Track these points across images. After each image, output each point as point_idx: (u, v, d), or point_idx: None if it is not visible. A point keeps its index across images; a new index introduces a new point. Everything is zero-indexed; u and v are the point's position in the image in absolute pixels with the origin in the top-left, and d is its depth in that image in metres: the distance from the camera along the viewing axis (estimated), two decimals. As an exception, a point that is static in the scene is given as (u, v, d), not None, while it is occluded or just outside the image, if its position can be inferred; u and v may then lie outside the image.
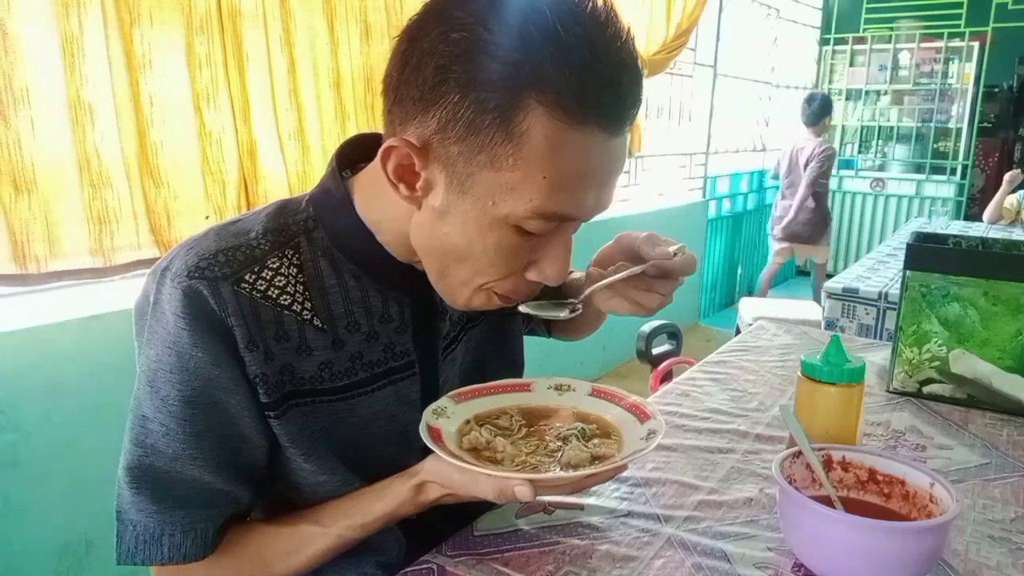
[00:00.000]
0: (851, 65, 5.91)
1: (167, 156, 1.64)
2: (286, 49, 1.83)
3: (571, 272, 1.02)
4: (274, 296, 0.67)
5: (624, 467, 0.68)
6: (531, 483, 0.63)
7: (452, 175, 0.61)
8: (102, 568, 1.63)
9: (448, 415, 0.74)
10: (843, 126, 6.07)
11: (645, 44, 3.42)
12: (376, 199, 0.70)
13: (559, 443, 0.73)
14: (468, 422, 0.74)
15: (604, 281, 0.73)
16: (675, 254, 0.73)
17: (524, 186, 0.59)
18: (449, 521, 0.77)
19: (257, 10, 1.75)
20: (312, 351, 0.69)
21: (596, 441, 0.72)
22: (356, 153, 0.75)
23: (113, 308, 1.62)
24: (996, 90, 5.35)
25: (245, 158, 1.77)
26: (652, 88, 3.80)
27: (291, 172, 1.87)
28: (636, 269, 0.73)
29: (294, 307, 0.68)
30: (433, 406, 0.73)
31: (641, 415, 0.75)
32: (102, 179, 1.54)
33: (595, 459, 0.69)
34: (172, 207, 1.66)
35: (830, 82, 6.04)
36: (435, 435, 0.68)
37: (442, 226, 0.64)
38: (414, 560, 0.71)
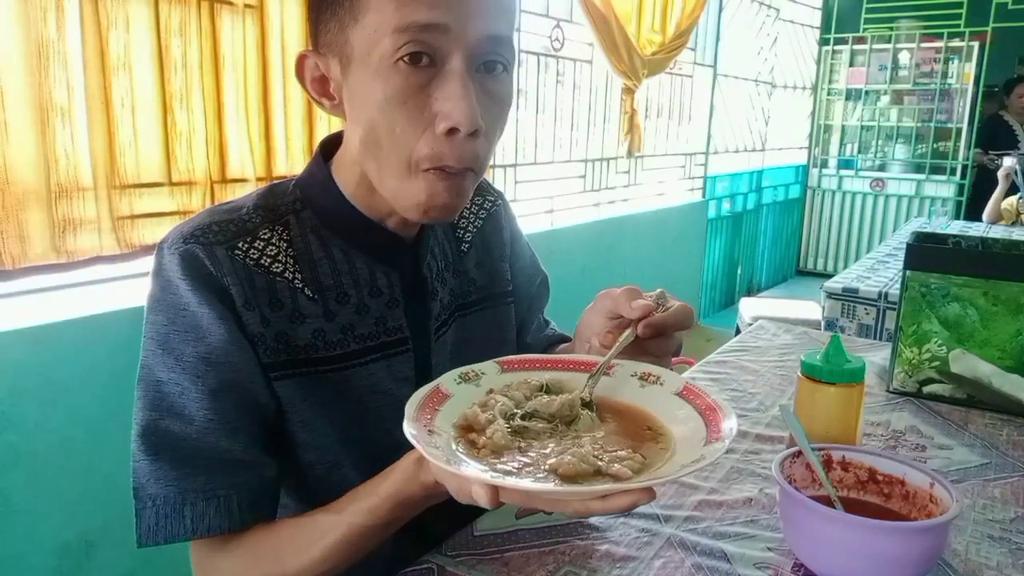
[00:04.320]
0: (851, 65, 5.90)
1: (135, 158, 1.62)
2: (259, 51, 1.82)
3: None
4: (266, 264, 0.70)
5: (646, 494, 0.50)
6: (492, 488, 0.51)
7: (340, 55, 0.65)
8: (102, 568, 1.63)
9: (479, 383, 0.66)
10: (843, 126, 6.07)
11: (644, 44, 3.42)
12: (341, 157, 0.75)
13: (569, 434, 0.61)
14: (491, 391, 0.66)
15: (597, 368, 0.67)
16: (657, 304, 0.69)
17: (381, 17, 0.61)
18: (448, 521, 0.77)
19: (236, 10, 1.74)
20: (305, 318, 0.71)
21: (621, 453, 0.57)
22: (339, 144, 0.77)
23: (113, 308, 1.62)
24: (996, 90, 5.35)
25: (214, 160, 1.76)
26: (652, 88, 3.80)
27: (260, 176, 1.86)
28: (624, 340, 0.68)
29: (286, 275, 0.71)
30: (465, 369, 0.67)
31: (712, 429, 0.59)
32: (70, 181, 1.51)
33: (601, 476, 0.53)
34: (137, 207, 1.63)
35: (830, 82, 6.05)
36: (429, 402, 0.61)
37: (356, 115, 0.67)
38: (414, 560, 0.71)
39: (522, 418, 0.62)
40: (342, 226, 0.74)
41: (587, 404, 0.65)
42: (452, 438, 0.59)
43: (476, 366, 0.68)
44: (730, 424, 0.57)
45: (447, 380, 0.65)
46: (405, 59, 0.62)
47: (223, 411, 0.66)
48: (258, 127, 1.84)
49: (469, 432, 0.60)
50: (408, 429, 0.54)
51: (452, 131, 0.63)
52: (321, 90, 0.70)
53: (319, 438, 0.72)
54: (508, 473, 0.54)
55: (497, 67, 0.67)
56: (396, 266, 0.77)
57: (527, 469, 0.55)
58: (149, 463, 0.65)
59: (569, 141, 3.35)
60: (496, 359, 0.70)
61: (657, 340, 0.69)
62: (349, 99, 0.67)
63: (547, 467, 0.54)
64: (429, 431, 0.57)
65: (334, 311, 0.73)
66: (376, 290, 0.75)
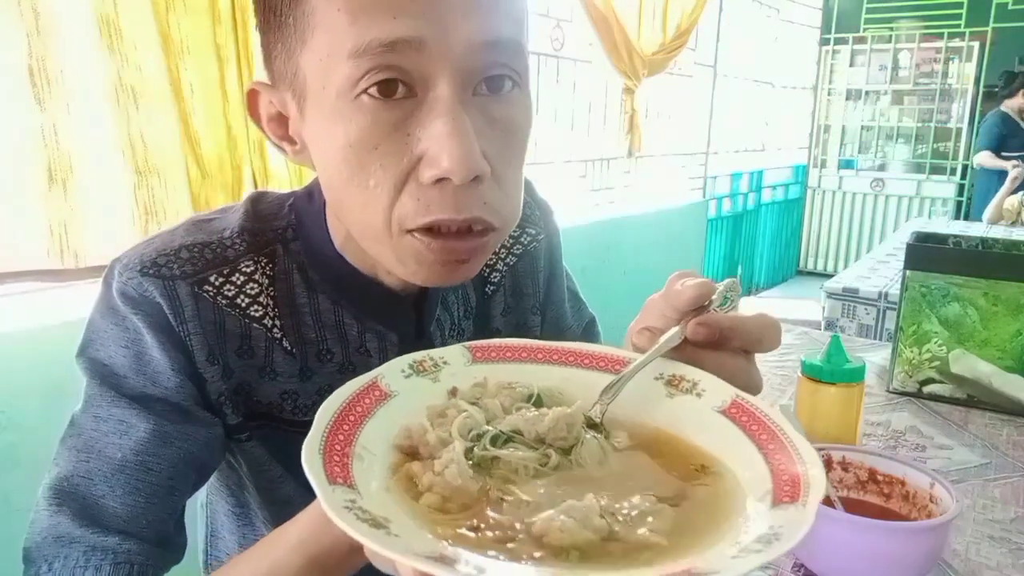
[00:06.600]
0: (851, 65, 5.91)
1: (209, 146, 1.61)
2: None
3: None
4: (243, 305, 0.58)
5: None
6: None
7: (291, 87, 0.51)
8: (102, 568, 1.63)
9: (438, 377, 0.46)
10: (843, 126, 6.08)
11: (644, 44, 3.42)
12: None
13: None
14: (455, 391, 0.46)
15: (621, 376, 0.47)
16: (725, 297, 0.51)
17: (333, 37, 0.47)
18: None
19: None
20: (276, 376, 0.60)
21: (639, 501, 0.36)
22: None
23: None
24: (996, 90, 5.35)
25: (255, 155, 1.76)
26: (652, 88, 3.80)
27: (292, 171, 1.87)
28: (667, 340, 0.48)
29: (265, 321, 0.59)
30: (420, 355, 0.47)
31: (786, 488, 0.37)
32: (148, 167, 1.49)
33: (616, 543, 0.34)
34: (212, 199, 1.62)
35: (830, 82, 6.05)
36: (359, 403, 0.41)
37: (320, 163, 0.52)
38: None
39: (493, 441, 0.41)
40: (330, 273, 0.60)
41: (594, 425, 0.45)
42: (388, 467, 0.39)
43: (436, 351, 0.48)
44: (815, 471, 0.37)
45: (391, 371, 0.45)
46: (372, 91, 0.47)
47: (166, 460, 0.54)
48: None
49: (414, 457, 0.40)
50: (307, 452, 0.35)
51: (443, 179, 0.48)
52: (281, 132, 0.56)
53: (301, 492, 0.60)
54: (461, 542, 0.33)
55: (505, 83, 0.50)
56: (393, 326, 0.63)
57: (493, 533, 0.34)
58: (48, 516, 0.53)
59: (569, 141, 3.35)
60: (465, 343, 0.50)
61: (719, 357, 0.49)
62: (311, 143, 0.53)
63: (528, 532, 0.34)
64: (342, 456, 0.36)
65: (313, 369, 0.61)
66: (364, 350, 0.62)
